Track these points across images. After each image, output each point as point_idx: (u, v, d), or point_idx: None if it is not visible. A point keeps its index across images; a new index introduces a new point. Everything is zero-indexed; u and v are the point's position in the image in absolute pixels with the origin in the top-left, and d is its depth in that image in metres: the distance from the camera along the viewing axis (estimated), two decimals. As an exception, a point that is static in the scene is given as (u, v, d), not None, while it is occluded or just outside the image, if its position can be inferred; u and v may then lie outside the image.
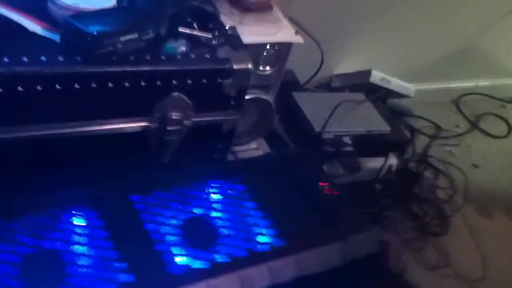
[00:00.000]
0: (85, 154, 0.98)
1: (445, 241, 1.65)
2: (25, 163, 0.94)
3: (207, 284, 0.79)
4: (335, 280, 0.93)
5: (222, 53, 1.03)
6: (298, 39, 1.23)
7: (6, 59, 0.87)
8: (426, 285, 1.50)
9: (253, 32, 1.18)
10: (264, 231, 0.92)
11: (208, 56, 1.01)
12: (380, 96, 1.83)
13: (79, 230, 0.84)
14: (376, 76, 1.84)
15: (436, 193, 1.80)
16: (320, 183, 0.99)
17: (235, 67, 1.01)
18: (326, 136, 1.49)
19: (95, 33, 0.89)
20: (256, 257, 0.87)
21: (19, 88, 0.87)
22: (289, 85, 1.63)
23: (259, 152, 1.44)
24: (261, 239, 0.91)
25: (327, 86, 1.93)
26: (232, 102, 1.06)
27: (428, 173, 1.86)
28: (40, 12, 0.97)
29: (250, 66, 1.03)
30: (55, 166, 0.95)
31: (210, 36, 1.04)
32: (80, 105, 0.93)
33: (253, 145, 1.44)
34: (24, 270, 0.78)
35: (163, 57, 0.98)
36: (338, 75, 1.93)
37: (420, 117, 2.11)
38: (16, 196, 0.83)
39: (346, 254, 0.90)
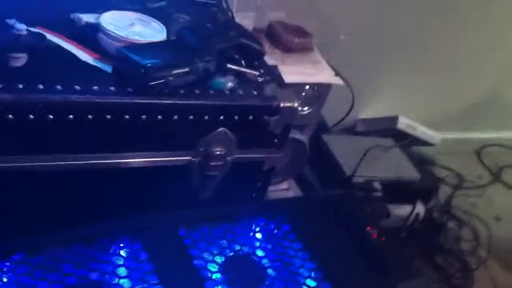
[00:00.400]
0: (129, 186, 0.97)
1: (470, 295, 1.62)
2: (72, 192, 0.92)
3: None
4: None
5: (268, 90, 1.03)
6: (337, 80, 1.23)
7: (59, 87, 0.87)
8: None
9: (294, 72, 1.19)
10: (310, 273, 0.90)
11: (255, 93, 1.01)
12: (406, 143, 1.82)
13: (127, 263, 0.82)
14: (403, 123, 1.84)
15: (460, 244, 1.78)
16: (368, 228, 0.97)
17: (281, 104, 1.01)
18: (356, 180, 1.48)
19: (149, 65, 0.89)
20: (305, 301, 0.85)
21: (70, 116, 0.87)
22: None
23: (290, 193, 1.43)
24: (308, 282, 0.89)
25: (351, 130, 1.93)
26: (275, 140, 1.06)
27: (451, 224, 1.84)
28: (91, 43, 0.98)
29: (296, 104, 1.03)
30: (101, 197, 0.94)
31: (257, 74, 1.04)
32: (129, 136, 0.93)
33: (283, 185, 1.43)
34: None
35: (211, 92, 0.97)
36: (363, 120, 1.93)
37: (443, 166, 2.10)
38: (65, 226, 0.82)
39: (397, 302, 0.87)
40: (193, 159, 1.00)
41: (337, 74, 1.24)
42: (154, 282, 0.80)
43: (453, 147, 2.16)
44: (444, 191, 1.97)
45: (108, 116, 0.89)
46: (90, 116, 0.88)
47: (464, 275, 1.66)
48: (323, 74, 1.21)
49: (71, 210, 0.91)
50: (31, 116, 0.84)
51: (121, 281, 0.80)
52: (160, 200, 0.99)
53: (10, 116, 0.83)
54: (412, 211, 1.60)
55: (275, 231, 0.96)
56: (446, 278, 1.63)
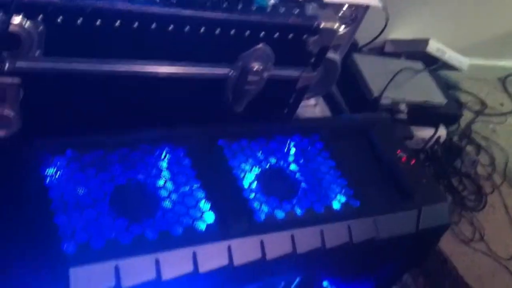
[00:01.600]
0: (168, 96, 1.00)
1: (481, 216, 1.69)
2: (113, 98, 0.96)
3: (290, 235, 0.82)
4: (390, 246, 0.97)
5: (309, 10, 1.03)
6: (377, 2, 1.22)
7: (105, -6, 0.88)
8: (459, 257, 1.55)
9: (334, -10, 1.18)
10: (341, 190, 0.95)
11: (296, 11, 1.02)
12: (435, 67, 1.82)
13: (170, 167, 0.88)
14: (433, 46, 1.83)
15: (477, 169, 1.82)
16: (398, 151, 1.01)
17: (322, 25, 1.02)
18: (383, 101, 1.50)
19: (193, -24, 0.90)
20: (334, 214, 0.90)
21: (116, 23, 0.89)
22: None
23: (317, 109, 1.46)
24: (338, 197, 0.94)
25: (380, 50, 1.92)
26: (312, 60, 1.07)
27: (470, 148, 1.88)
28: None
29: (336, 26, 1.03)
30: (142, 105, 0.98)
31: (299, -9, 1.04)
32: (171, 46, 0.95)
33: (311, 101, 1.46)
34: (115, 198, 0.82)
35: (254, 8, 0.98)
36: (392, 41, 1.92)
37: (467, 92, 2.11)
38: (113, 131, 0.86)
39: (421, 223, 0.93)
40: (231, 73, 1.03)
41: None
42: (196, 186, 0.85)
43: (479, 73, 2.15)
44: (465, 116, 1.99)
45: (153, 26, 0.91)
46: (135, 25, 0.90)
47: (477, 198, 1.73)
48: (363, -6, 1.20)
49: (115, 115, 0.95)
50: (79, 20, 0.87)
51: (167, 183, 0.86)
52: (197, 112, 1.03)
53: (60, 19, 0.85)
54: (433, 134, 1.63)
55: (309, 148, 1.00)
56: (459, 200, 1.70)
